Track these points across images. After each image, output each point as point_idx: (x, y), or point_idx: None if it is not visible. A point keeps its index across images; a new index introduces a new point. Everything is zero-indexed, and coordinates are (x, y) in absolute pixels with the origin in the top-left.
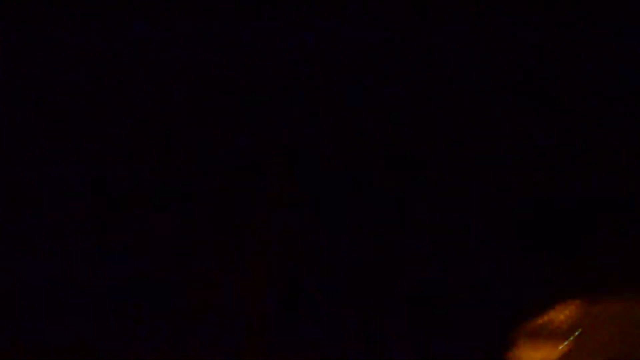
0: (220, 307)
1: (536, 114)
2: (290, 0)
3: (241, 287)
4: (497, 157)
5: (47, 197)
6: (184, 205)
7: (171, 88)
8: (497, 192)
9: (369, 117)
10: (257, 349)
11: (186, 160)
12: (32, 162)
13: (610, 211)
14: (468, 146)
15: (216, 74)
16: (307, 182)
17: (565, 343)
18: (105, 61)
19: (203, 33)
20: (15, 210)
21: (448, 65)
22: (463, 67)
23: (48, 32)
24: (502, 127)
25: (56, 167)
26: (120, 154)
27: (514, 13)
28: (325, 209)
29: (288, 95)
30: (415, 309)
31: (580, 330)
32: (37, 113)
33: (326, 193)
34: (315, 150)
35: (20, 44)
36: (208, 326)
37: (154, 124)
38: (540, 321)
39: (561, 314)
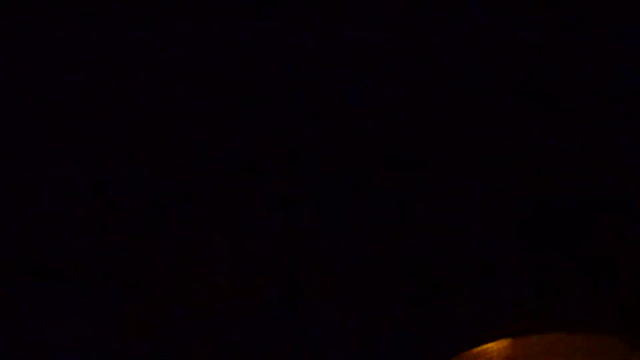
0: (220, 306)
1: (536, 114)
2: (291, 0)
3: (241, 286)
4: (497, 157)
5: (47, 197)
6: (183, 205)
7: (171, 88)
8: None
9: (369, 117)
10: (257, 349)
11: (186, 160)
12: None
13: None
14: (468, 146)
15: (216, 74)
16: (307, 182)
17: None
18: (105, 61)
19: (203, 33)
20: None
21: (448, 65)
22: (463, 67)
23: (48, 32)
24: (502, 127)
25: (56, 168)
26: (118, 155)
27: (514, 13)
28: (325, 209)
29: (288, 95)
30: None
31: None
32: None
33: (326, 193)
34: (315, 150)
35: (20, 44)
36: (208, 325)
37: (154, 124)
38: (474, 352)
39: (495, 348)
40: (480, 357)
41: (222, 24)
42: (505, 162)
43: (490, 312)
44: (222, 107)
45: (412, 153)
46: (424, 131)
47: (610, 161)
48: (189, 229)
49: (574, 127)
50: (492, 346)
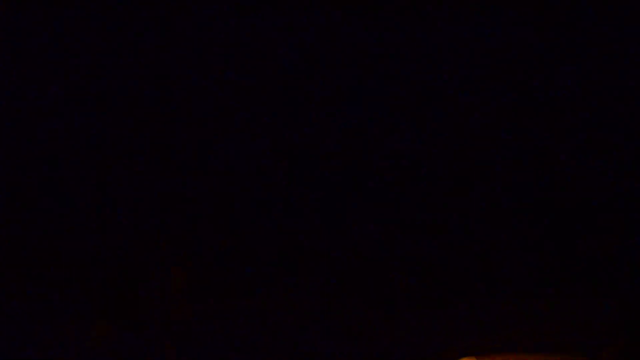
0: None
1: (536, 114)
2: (291, 0)
3: (241, 287)
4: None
5: (47, 197)
6: (183, 205)
7: (171, 88)
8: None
9: (369, 117)
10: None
11: (186, 160)
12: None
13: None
14: (468, 146)
15: (216, 73)
16: (307, 182)
17: None
18: (105, 61)
19: (203, 33)
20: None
21: (448, 65)
22: (463, 67)
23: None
24: (502, 127)
25: (56, 168)
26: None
27: (513, 13)
28: (325, 209)
29: (288, 95)
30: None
31: None
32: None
33: (326, 193)
34: (315, 150)
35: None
36: (208, 327)
37: (154, 124)
38: None
39: None
40: None
41: (222, 24)
42: (505, 162)
43: (455, 330)
44: (222, 107)
45: (412, 153)
46: (424, 131)
47: (610, 161)
48: (189, 229)
49: (573, 127)
50: None
